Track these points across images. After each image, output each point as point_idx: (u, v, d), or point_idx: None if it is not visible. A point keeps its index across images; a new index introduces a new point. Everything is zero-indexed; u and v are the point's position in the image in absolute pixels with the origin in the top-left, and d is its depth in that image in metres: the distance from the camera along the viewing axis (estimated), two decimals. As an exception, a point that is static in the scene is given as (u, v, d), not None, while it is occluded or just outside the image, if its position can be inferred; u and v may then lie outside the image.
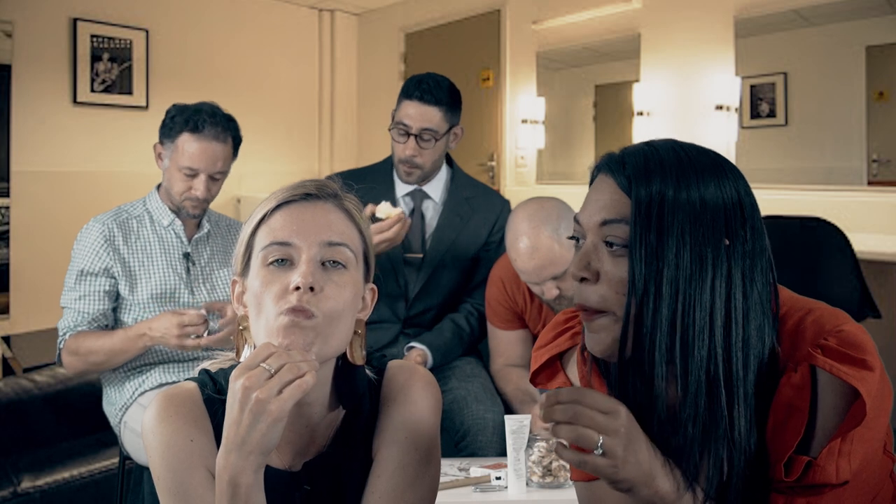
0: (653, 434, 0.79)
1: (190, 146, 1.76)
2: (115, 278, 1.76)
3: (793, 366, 0.77)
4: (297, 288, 0.80)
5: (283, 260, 0.83)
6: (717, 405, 0.76)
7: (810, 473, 0.74)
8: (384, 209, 1.81)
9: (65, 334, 1.73)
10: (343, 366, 0.89)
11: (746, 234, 0.78)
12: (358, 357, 0.88)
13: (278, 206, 0.86)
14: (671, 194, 0.76)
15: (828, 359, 0.74)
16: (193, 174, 1.77)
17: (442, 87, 1.92)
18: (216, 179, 1.82)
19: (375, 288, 0.93)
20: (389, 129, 1.97)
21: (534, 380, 0.99)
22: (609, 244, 0.79)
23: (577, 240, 0.84)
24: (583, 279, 0.80)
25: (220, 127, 1.78)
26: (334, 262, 0.84)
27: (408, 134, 1.91)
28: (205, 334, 1.66)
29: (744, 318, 0.77)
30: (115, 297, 1.78)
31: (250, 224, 0.88)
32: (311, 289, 0.80)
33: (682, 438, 0.78)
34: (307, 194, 0.87)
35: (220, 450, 0.75)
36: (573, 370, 0.94)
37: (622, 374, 0.83)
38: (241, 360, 0.88)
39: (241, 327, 0.89)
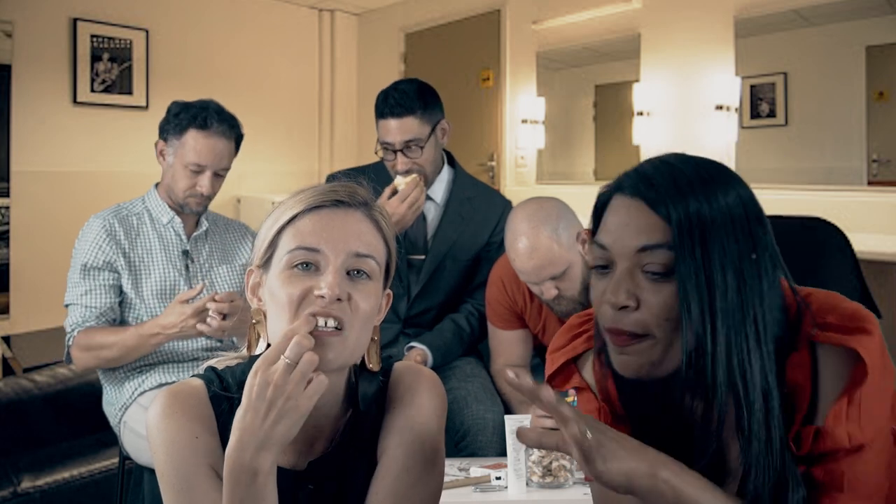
0: (683, 453, 0.78)
1: (197, 142, 1.77)
2: (118, 272, 1.76)
3: (796, 345, 0.77)
4: (322, 296, 0.80)
5: (307, 265, 0.83)
6: (772, 416, 0.75)
7: (820, 442, 0.74)
8: (401, 181, 1.89)
9: (73, 331, 1.71)
10: (358, 371, 0.90)
11: (767, 239, 0.78)
12: (375, 363, 0.90)
13: (308, 210, 0.86)
14: (706, 209, 0.75)
15: (826, 332, 0.75)
16: (200, 170, 1.79)
17: (409, 94, 1.90)
18: (220, 176, 1.83)
19: (391, 293, 0.93)
20: (376, 152, 1.98)
21: (550, 383, 0.98)
22: (647, 272, 0.77)
23: (603, 267, 0.80)
24: (623, 307, 0.78)
25: (226, 124, 1.81)
26: (359, 271, 0.84)
27: (393, 151, 1.92)
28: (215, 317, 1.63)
29: (769, 315, 0.77)
30: (119, 293, 1.78)
31: (276, 221, 0.87)
32: (339, 299, 0.81)
33: (745, 456, 0.76)
34: (338, 201, 0.86)
35: (233, 443, 0.75)
36: (588, 372, 0.94)
37: (666, 397, 0.83)
38: (255, 353, 0.88)
39: (254, 321, 0.89)
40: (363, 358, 0.90)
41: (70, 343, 1.72)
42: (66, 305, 1.76)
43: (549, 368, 0.97)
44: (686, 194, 0.76)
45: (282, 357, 0.75)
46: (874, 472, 0.75)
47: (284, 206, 0.88)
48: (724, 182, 0.78)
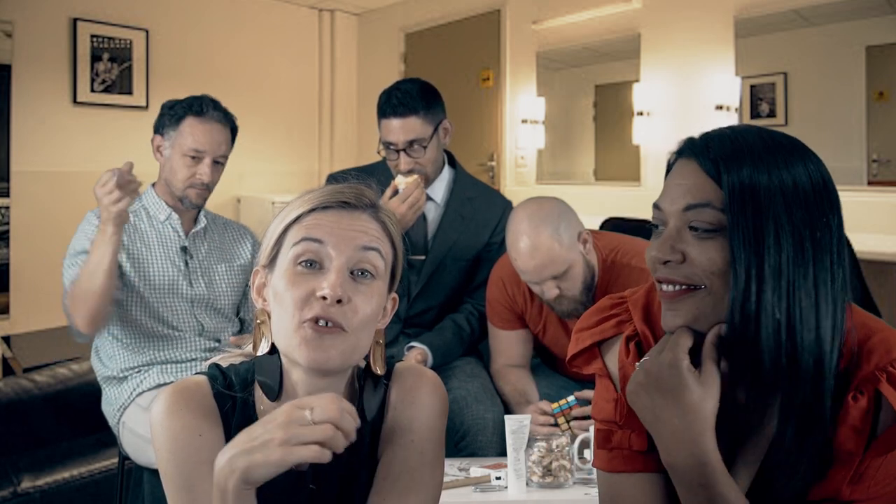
0: (724, 430, 0.78)
1: (195, 129, 1.79)
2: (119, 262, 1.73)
3: (856, 385, 0.76)
4: (324, 298, 0.80)
5: (312, 262, 0.83)
6: (825, 386, 0.75)
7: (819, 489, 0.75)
8: (401, 180, 1.88)
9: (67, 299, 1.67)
10: (363, 374, 0.89)
11: (835, 218, 0.77)
12: (380, 366, 0.89)
13: (314, 210, 0.86)
14: (763, 178, 0.75)
15: (890, 387, 0.73)
16: (199, 157, 1.79)
17: (412, 94, 1.90)
18: (219, 164, 1.83)
19: (396, 297, 0.93)
20: (378, 151, 1.98)
21: (572, 362, 0.97)
22: (694, 228, 0.78)
23: (657, 227, 0.82)
24: (667, 262, 0.79)
25: (221, 112, 1.84)
26: (363, 271, 0.84)
27: (396, 151, 1.92)
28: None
29: (833, 303, 0.76)
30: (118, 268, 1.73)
31: (283, 220, 0.87)
32: (339, 301, 0.80)
33: (782, 431, 0.77)
34: (345, 202, 0.86)
35: (231, 449, 0.73)
36: (612, 359, 0.93)
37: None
38: (259, 353, 0.88)
39: (258, 321, 0.89)
40: (369, 363, 0.90)
41: (69, 313, 1.66)
42: (65, 287, 1.72)
43: (574, 348, 0.96)
44: (742, 158, 0.77)
45: (307, 409, 0.71)
46: None
47: (291, 206, 0.88)
48: (791, 155, 0.77)
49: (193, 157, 1.79)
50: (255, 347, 0.90)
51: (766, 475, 0.78)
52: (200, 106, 1.80)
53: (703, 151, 0.79)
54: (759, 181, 0.75)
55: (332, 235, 0.83)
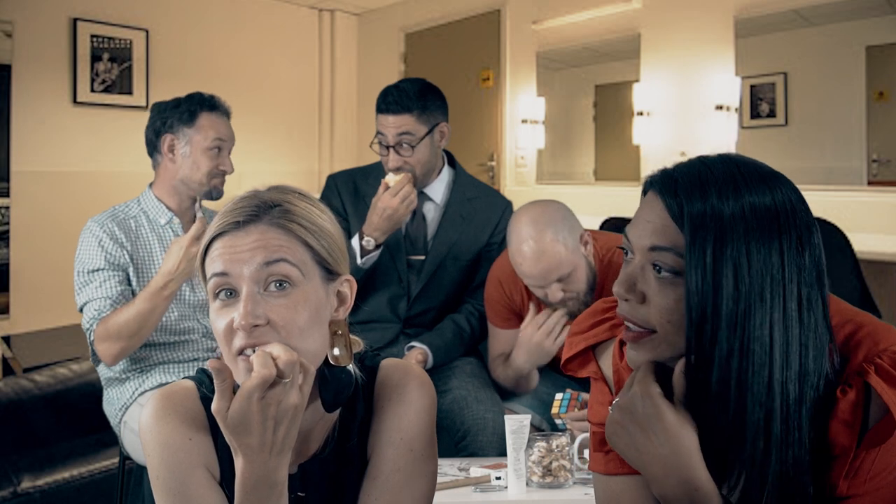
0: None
1: (213, 122, 1.84)
2: (125, 271, 1.74)
3: (845, 378, 0.75)
4: (238, 329, 0.78)
5: (229, 292, 0.81)
6: (772, 441, 0.73)
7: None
8: (391, 178, 1.91)
9: (91, 325, 1.67)
10: (325, 369, 0.85)
11: (805, 259, 0.75)
12: (341, 358, 0.85)
13: (215, 238, 0.83)
14: (725, 215, 0.73)
15: (879, 378, 0.72)
16: (220, 148, 1.84)
17: (409, 93, 1.91)
18: (229, 153, 1.90)
19: (352, 278, 0.89)
20: (371, 146, 1.99)
21: (566, 366, 0.97)
22: (657, 268, 0.77)
23: (627, 252, 0.81)
24: (628, 299, 0.78)
25: (223, 104, 1.90)
26: (278, 283, 0.80)
27: (386, 147, 1.93)
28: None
29: (801, 348, 0.74)
30: (129, 284, 1.75)
31: (199, 255, 0.86)
32: (256, 325, 0.78)
33: (736, 479, 0.76)
34: (237, 222, 0.83)
35: (240, 460, 0.75)
36: (606, 362, 0.93)
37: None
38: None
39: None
40: (331, 357, 0.86)
41: (92, 339, 1.67)
42: (81, 309, 1.71)
43: (567, 352, 0.96)
44: (707, 195, 0.74)
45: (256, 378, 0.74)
46: None
47: (205, 235, 0.87)
48: (760, 185, 0.75)
49: (217, 149, 1.83)
50: None
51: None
52: (211, 99, 1.85)
53: (670, 191, 0.77)
54: (721, 215, 0.73)
55: (233, 263, 0.80)
